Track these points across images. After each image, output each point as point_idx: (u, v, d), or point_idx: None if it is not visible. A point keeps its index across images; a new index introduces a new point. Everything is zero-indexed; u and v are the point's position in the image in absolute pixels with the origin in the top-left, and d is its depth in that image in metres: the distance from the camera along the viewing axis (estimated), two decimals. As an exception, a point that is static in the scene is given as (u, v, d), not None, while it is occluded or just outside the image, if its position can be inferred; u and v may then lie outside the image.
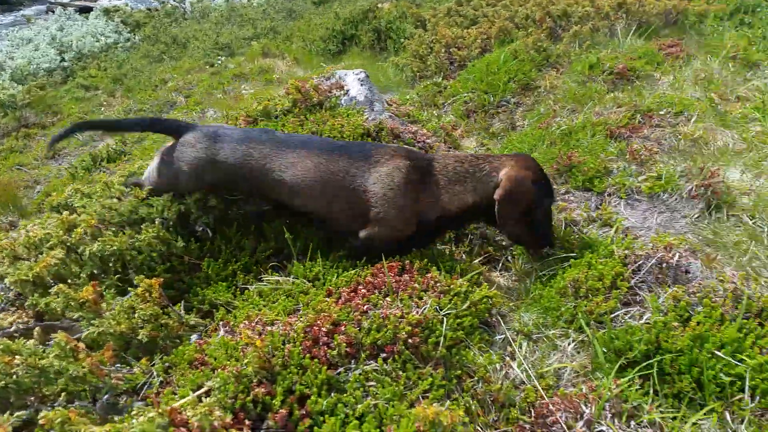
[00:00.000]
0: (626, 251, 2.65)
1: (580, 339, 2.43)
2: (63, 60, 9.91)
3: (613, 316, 2.44)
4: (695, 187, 3.17)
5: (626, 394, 2.12)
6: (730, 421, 2.08)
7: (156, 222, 2.75)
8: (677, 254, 2.57)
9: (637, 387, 2.17)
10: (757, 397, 2.10)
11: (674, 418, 2.09)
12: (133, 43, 10.85)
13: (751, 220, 3.16)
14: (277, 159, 2.71)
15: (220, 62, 8.65)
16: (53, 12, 12.87)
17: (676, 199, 3.19)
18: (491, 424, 2.11)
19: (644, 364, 2.22)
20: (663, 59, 5.29)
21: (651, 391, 2.19)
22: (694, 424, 2.06)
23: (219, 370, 1.95)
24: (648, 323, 2.35)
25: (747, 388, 2.11)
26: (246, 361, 1.94)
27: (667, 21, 6.64)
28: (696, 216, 3.14)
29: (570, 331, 2.46)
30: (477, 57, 6.01)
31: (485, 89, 5.23)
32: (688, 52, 5.60)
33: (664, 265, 2.55)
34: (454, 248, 3.10)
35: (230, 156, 2.74)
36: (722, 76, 5.04)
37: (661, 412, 2.07)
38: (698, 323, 2.27)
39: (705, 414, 2.10)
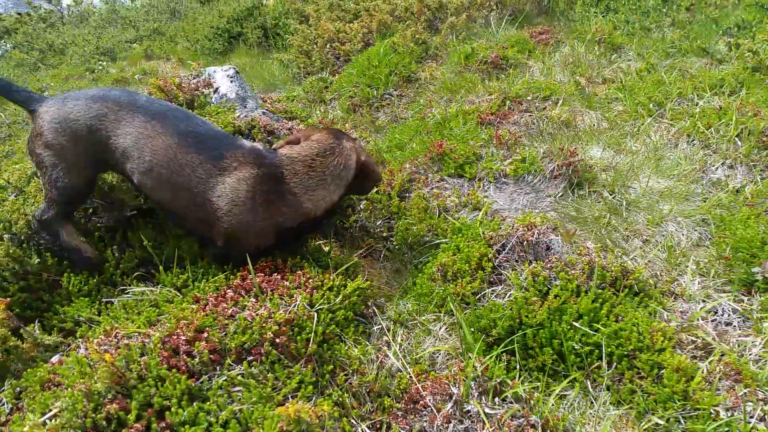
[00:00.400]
0: (492, 233, 2.76)
1: (451, 322, 2.50)
2: None
3: (479, 296, 2.54)
4: (557, 167, 3.36)
5: (492, 371, 2.20)
6: (591, 389, 2.22)
7: (5, 238, 2.56)
8: (536, 232, 2.70)
9: (504, 364, 2.26)
10: (615, 364, 2.25)
11: (538, 390, 2.20)
12: (3, 51, 10.02)
13: (610, 195, 3.38)
14: (130, 126, 2.44)
15: (101, 67, 8.18)
16: None
17: (540, 179, 3.36)
18: (366, 415, 2.13)
19: (508, 340, 2.32)
20: (534, 47, 5.56)
21: (518, 367, 2.29)
22: (558, 395, 2.18)
23: (69, 389, 1.85)
24: (511, 300, 2.46)
25: (604, 355, 2.25)
26: (96, 377, 1.84)
27: (540, 9, 6.99)
28: (560, 194, 3.33)
29: (441, 314, 2.53)
30: (360, 51, 6.05)
31: (368, 83, 5.28)
32: (558, 39, 5.92)
33: (525, 243, 2.67)
34: (333, 242, 3.11)
35: (83, 115, 2.45)
36: (588, 60, 5.36)
37: (526, 385, 2.17)
38: (556, 296, 2.40)
39: (568, 384, 2.23)
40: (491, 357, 2.25)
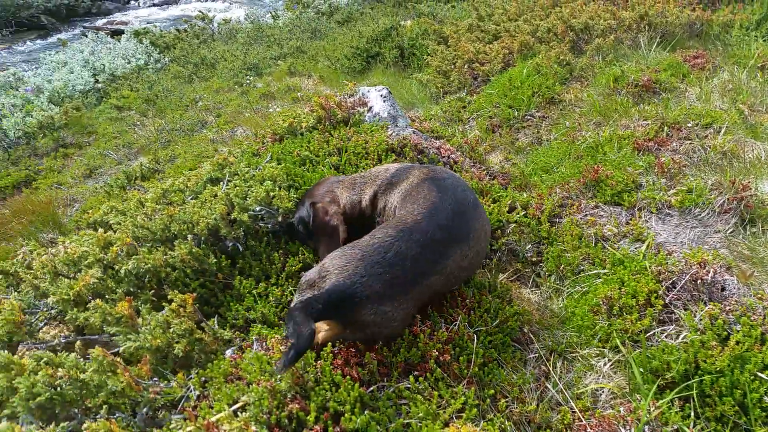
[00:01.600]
0: (659, 267, 2.61)
1: (616, 359, 2.39)
2: (97, 82, 10.19)
3: (648, 335, 2.40)
4: (727, 201, 3.12)
5: (666, 417, 2.07)
6: (777, 448, 2.02)
7: (188, 238, 2.80)
8: (712, 270, 2.52)
9: (677, 409, 2.12)
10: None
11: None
12: (163, 64, 11.11)
13: (788, 234, 3.08)
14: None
15: (248, 82, 8.81)
16: (87, 36, 13.28)
17: (708, 213, 3.14)
18: (526, 444, 2.09)
19: (683, 385, 2.17)
20: (688, 71, 5.24)
21: (692, 414, 2.13)
22: (738, 448, 2.01)
23: (254, 384, 1.98)
24: (685, 342, 2.30)
25: (795, 412, 2.05)
26: (279, 376, 1.96)
27: (691, 32, 6.57)
28: (729, 230, 3.08)
29: (605, 350, 2.43)
30: (499, 72, 6.02)
31: (509, 104, 5.23)
32: (714, 63, 5.53)
33: (699, 281, 2.50)
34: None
35: None
36: (750, 87, 4.97)
37: (703, 435, 2.02)
38: (737, 342, 2.21)
39: (751, 439, 2.04)
40: (665, 401, 2.12)
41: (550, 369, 2.39)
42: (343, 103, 3.85)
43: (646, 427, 2.02)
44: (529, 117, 5.11)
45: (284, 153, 3.64)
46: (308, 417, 1.89)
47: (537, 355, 2.50)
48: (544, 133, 4.84)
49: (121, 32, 13.46)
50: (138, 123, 7.96)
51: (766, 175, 3.70)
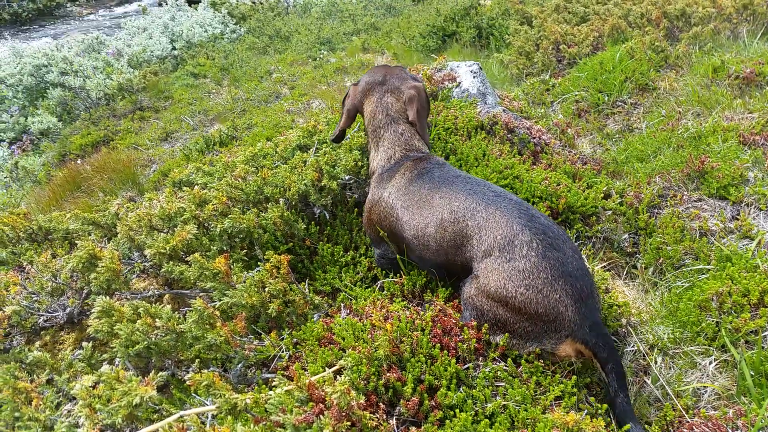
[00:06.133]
0: (774, 267, 2.43)
1: (723, 358, 2.24)
2: (174, 48, 10.42)
3: (764, 335, 2.23)
4: None
5: (780, 423, 1.93)
6: None
7: (280, 202, 2.80)
8: (837, 274, 2.32)
9: (792, 416, 1.97)
10: None
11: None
12: (238, 34, 11.25)
13: None
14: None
15: (322, 56, 8.80)
16: (166, 3, 13.59)
17: (827, 214, 2.90)
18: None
19: (801, 391, 2.01)
20: (798, 64, 4.85)
21: (806, 423, 1.98)
22: None
23: (350, 350, 1.94)
24: (804, 347, 2.13)
25: None
26: (377, 344, 1.92)
27: (801, 25, 6.11)
28: None
29: (712, 348, 2.28)
30: (588, 55, 5.76)
31: (599, 88, 5.00)
32: (827, 59, 5.11)
33: (822, 284, 2.31)
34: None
35: None
36: None
37: (822, 446, 1.87)
38: None
39: None
40: (781, 408, 1.96)
41: (651, 364, 2.26)
42: (433, 76, 3.76)
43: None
44: (620, 103, 4.87)
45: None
46: (405, 388, 1.85)
47: (635, 348, 2.37)
48: (636, 121, 4.60)
49: (198, 1, 13.71)
50: (213, 91, 8.09)
51: None
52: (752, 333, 2.24)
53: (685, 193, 3.17)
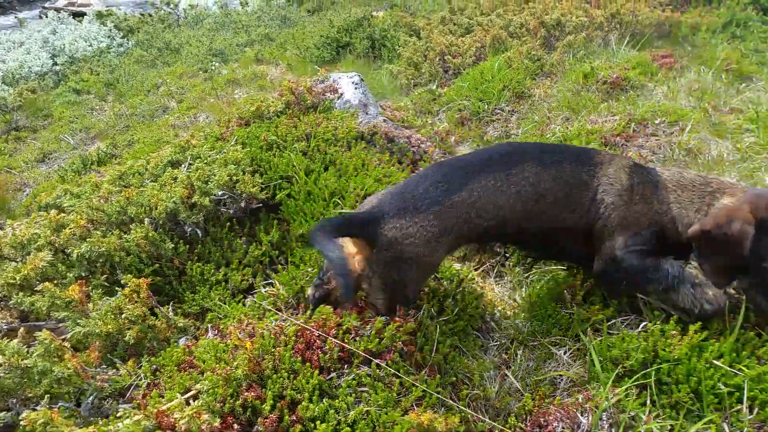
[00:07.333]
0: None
1: (576, 347, 2.39)
2: (55, 64, 9.82)
3: (609, 324, 2.41)
4: (690, 196, 3.15)
5: (623, 404, 2.08)
6: (728, 433, 2.05)
7: (145, 222, 2.70)
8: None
9: (635, 397, 2.13)
10: (756, 409, 2.06)
11: (672, 429, 2.05)
12: (126, 48, 10.78)
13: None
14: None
15: (213, 68, 8.60)
16: (46, 16, 12.79)
17: (671, 207, 3.17)
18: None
19: (641, 373, 2.18)
20: (657, 70, 5.32)
21: (648, 401, 2.15)
22: (692, 435, 2.03)
23: (208, 372, 1.90)
24: (645, 332, 2.32)
25: (745, 398, 2.08)
26: (236, 364, 1.89)
27: (660, 32, 6.70)
28: (691, 224, 3.12)
29: (566, 339, 2.43)
30: (471, 65, 6.01)
31: (480, 97, 5.22)
32: (682, 64, 5.64)
33: (661, 272, 2.52)
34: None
35: None
36: (715, 88, 5.08)
37: (659, 422, 2.03)
38: (696, 332, 2.24)
39: (703, 425, 2.06)
40: (623, 389, 2.12)
41: (511, 357, 2.38)
42: (313, 88, 3.78)
43: (604, 414, 2.02)
44: (498, 111, 5.12)
45: (250, 137, 3.54)
46: (263, 405, 1.83)
47: (498, 343, 2.48)
48: (513, 127, 4.85)
49: (82, 14, 13.02)
50: (97, 107, 7.70)
51: (727, 172, 3.78)
52: (602, 322, 2.41)
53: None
